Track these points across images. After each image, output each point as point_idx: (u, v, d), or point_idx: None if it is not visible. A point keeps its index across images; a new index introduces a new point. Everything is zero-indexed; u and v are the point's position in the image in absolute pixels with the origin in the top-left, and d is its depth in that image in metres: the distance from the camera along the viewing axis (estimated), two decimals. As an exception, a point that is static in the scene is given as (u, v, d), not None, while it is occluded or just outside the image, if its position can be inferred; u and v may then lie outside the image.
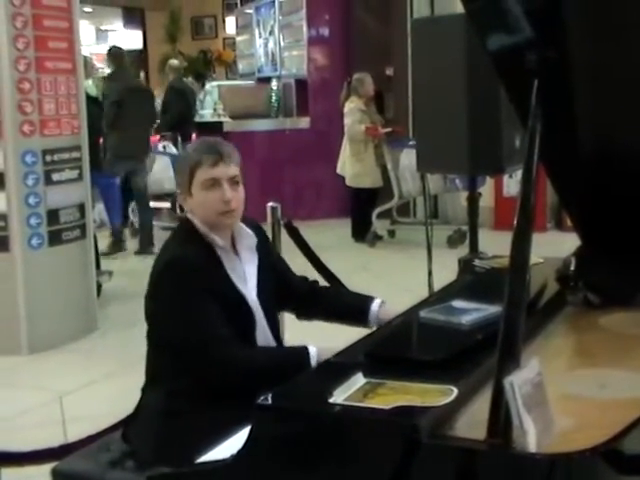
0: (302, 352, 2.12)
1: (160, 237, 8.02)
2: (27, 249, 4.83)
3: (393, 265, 6.87)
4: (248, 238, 2.30)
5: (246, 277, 2.26)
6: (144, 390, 2.29)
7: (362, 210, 7.71)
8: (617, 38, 1.74)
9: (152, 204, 8.38)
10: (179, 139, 8.18)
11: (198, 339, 2.09)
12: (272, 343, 2.30)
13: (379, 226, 7.73)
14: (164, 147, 8.16)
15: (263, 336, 2.27)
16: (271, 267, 2.38)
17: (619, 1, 1.69)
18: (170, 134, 8.38)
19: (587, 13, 1.75)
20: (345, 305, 2.50)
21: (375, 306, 2.43)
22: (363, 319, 2.41)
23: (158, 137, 8.44)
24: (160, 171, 7.93)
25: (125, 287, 6.15)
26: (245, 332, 2.20)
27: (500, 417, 1.39)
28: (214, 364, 2.08)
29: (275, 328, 2.34)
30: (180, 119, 8.53)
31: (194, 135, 9.04)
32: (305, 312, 2.53)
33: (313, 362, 2.08)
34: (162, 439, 2.11)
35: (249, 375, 2.08)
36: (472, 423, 1.48)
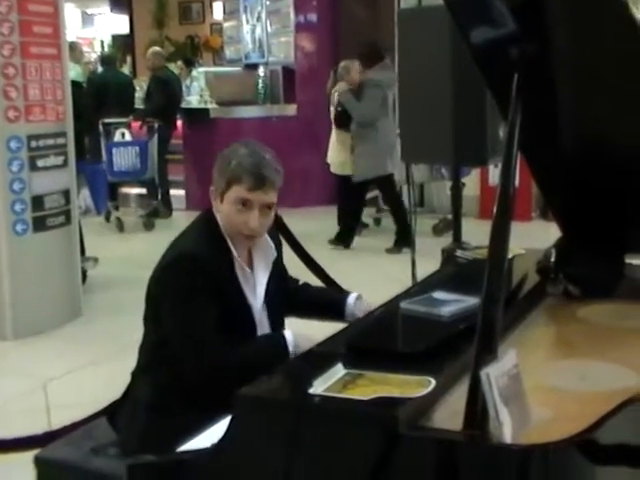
0: (278, 341, 2.12)
1: (129, 223, 8.06)
2: (12, 235, 4.82)
3: (378, 253, 6.90)
4: (268, 250, 2.27)
5: (256, 287, 2.24)
6: (134, 376, 2.28)
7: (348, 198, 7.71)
8: (598, 32, 1.75)
9: (124, 190, 8.38)
10: (155, 126, 8.16)
11: (188, 341, 2.08)
12: None
13: (365, 214, 7.74)
14: (122, 134, 8.12)
15: None
16: (280, 276, 2.36)
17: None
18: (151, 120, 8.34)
19: (568, 7, 1.76)
20: (320, 300, 2.48)
21: (351, 300, 2.40)
22: (339, 314, 2.39)
23: (139, 123, 8.42)
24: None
25: (110, 274, 6.15)
26: (245, 339, 2.18)
27: (477, 409, 1.41)
28: (197, 367, 2.07)
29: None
30: (162, 108, 8.47)
31: (179, 122, 9.03)
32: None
33: (290, 348, 2.08)
34: (147, 433, 2.10)
35: (228, 378, 2.06)
36: (450, 414, 1.50)
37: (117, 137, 8.05)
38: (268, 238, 2.28)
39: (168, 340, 2.14)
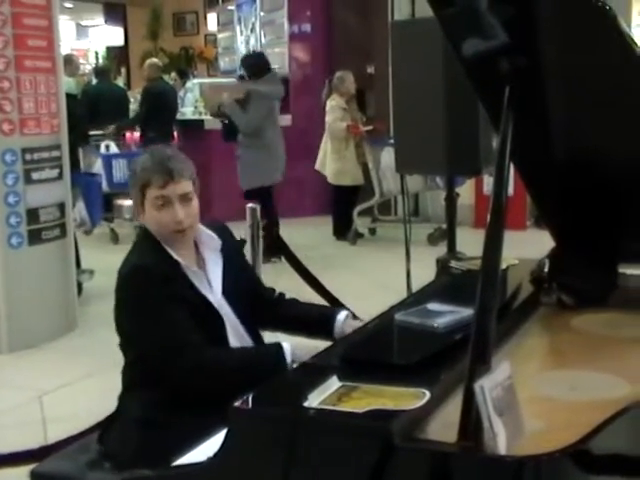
0: (276, 350, 2.12)
1: (123, 234, 8.04)
2: (7, 248, 4.81)
3: (374, 263, 6.90)
4: (211, 241, 2.30)
5: (211, 282, 2.26)
6: (121, 398, 2.29)
7: (343, 208, 7.74)
8: (588, 44, 1.76)
9: (118, 202, 8.39)
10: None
11: (167, 347, 2.09)
12: (247, 341, 2.29)
13: (360, 224, 7.76)
14: (107, 146, 8.15)
15: (237, 335, 2.27)
16: (239, 267, 2.38)
17: (590, 10, 1.71)
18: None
19: (559, 20, 1.77)
20: (308, 317, 2.43)
21: (341, 317, 2.36)
22: (328, 331, 2.34)
23: (131, 135, 8.48)
24: (99, 171, 7.96)
25: (106, 286, 6.10)
26: (216, 334, 2.21)
27: (471, 420, 1.41)
28: (186, 370, 2.08)
29: (251, 325, 2.33)
30: (146, 120, 8.47)
31: (176, 133, 9.04)
32: (267, 322, 2.47)
33: (288, 359, 2.08)
34: (140, 447, 2.10)
35: (222, 379, 2.08)
36: (444, 426, 1.51)
37: (102, 149, 8.08)
38: (207, 230, 2.30)
39: (146, 353, 2.15)
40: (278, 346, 2.14)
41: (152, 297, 2.12)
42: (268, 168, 6.86)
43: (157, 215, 2.19)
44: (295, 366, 2.02)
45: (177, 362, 2.08)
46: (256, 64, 7.10)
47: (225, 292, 2.27)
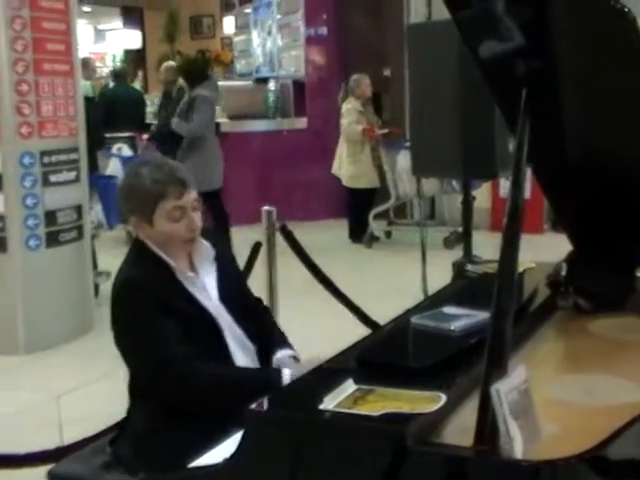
0: (273, 376, 2.11)
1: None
2: (25, 250, 4.85)
3: (389, 266, 6.89)
4: (206, 251, 2.28)
5: (207, 289, 2.25)
6: (129, 409, 2.28)
7: (359, 211, 7.74)
8: (605, 47, 1.76)
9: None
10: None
11: (155, 360, 2.08)
12: (249, 347, 2.28)
13: (376, 227, 7.75)
14: (119, 149, 8.17)
15: (237, 341, 2.26)
16: (232, 274, 2.37)
17: (608, 12, 1.70)
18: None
19: (576, 23, 1.77)
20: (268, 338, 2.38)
21: (280, 355, 2.31)
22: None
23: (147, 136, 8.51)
24: (112, 173, 7.96)
25: (122, 288, 6.15)
26: (215, 341, 2.20)
27: (487, 424, 1.41)
28: (175, 384, 2.07)
29: (250, 329, 2.31)
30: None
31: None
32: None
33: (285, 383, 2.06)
34: (148, 454, 2.10)
35: (214, 393, 2.07)
36: (460, 430, 1.50)
37: (114, 151, 8.11)
38: (201, 239, 2.28)
39: (138, 367, 2.16)
40: (277, 373, 2.13)
41: (141, 311, 2.11)
42: (211, 172, 6.83)
43: (172, 227, 2.17)
44: None
45: (166, 375, 2.07)
46: (198, 70, 7.15)
47: (222, 298, 2.26)
